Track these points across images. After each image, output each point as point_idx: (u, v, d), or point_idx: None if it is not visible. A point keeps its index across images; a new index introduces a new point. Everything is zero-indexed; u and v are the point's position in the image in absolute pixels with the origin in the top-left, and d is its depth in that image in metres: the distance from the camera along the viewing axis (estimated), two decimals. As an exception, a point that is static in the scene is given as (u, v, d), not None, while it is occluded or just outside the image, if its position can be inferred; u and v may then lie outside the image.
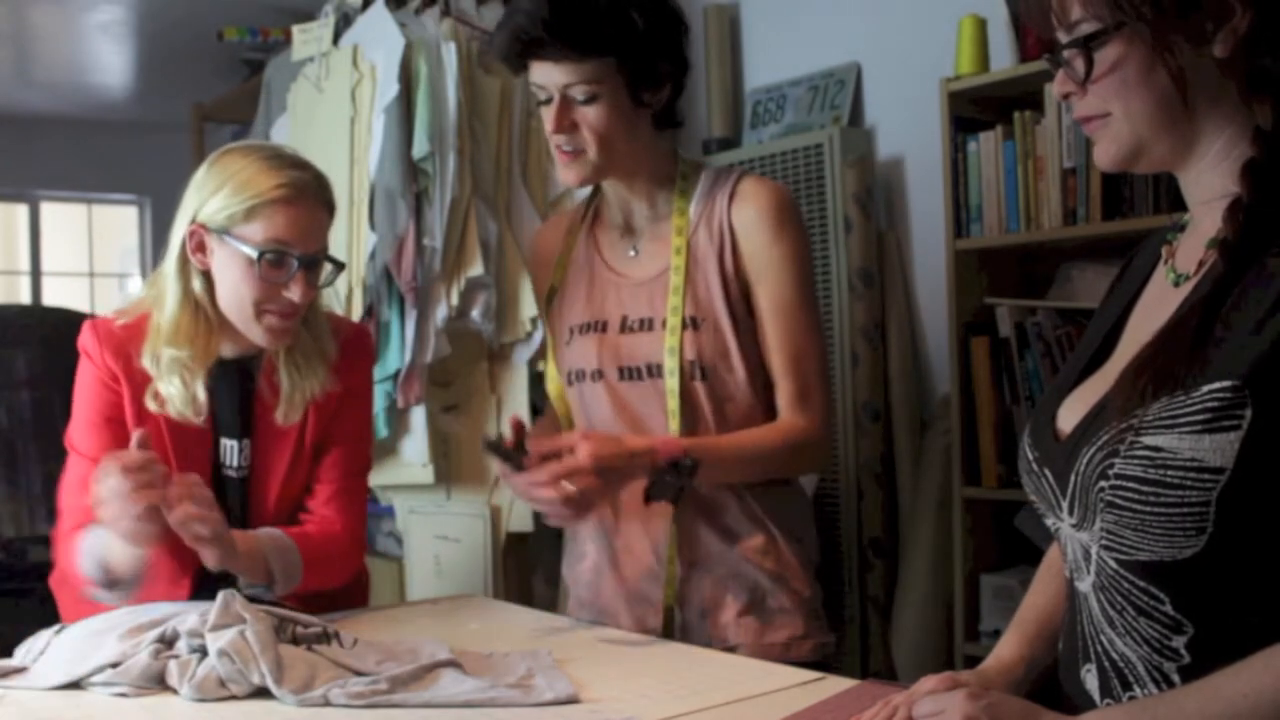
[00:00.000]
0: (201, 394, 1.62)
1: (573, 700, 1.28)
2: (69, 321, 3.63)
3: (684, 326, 1.68)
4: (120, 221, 6.79)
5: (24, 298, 6.35)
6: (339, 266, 1.69)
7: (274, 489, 1.73)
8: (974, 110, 2.63)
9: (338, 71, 3.01)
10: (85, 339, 1.67)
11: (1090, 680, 1.04)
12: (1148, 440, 0.92)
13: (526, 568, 3.08)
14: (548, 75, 1.62)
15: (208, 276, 1.64)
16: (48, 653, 1.43)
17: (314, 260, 1.63)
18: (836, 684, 1.32)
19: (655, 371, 1.69)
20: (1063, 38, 1.02)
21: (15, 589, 3.15)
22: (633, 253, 1.76)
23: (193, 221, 1.61)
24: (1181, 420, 0.91)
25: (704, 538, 1.70)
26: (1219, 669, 0.90)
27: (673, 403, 1.68)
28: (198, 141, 4.51)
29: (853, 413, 2.97)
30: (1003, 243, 2.57)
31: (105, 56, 4.92)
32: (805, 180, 3.05)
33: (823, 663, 1.65)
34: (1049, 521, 1.09)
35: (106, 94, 5.46)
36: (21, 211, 6.39)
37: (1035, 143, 2.51)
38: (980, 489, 2.58)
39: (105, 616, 1.48)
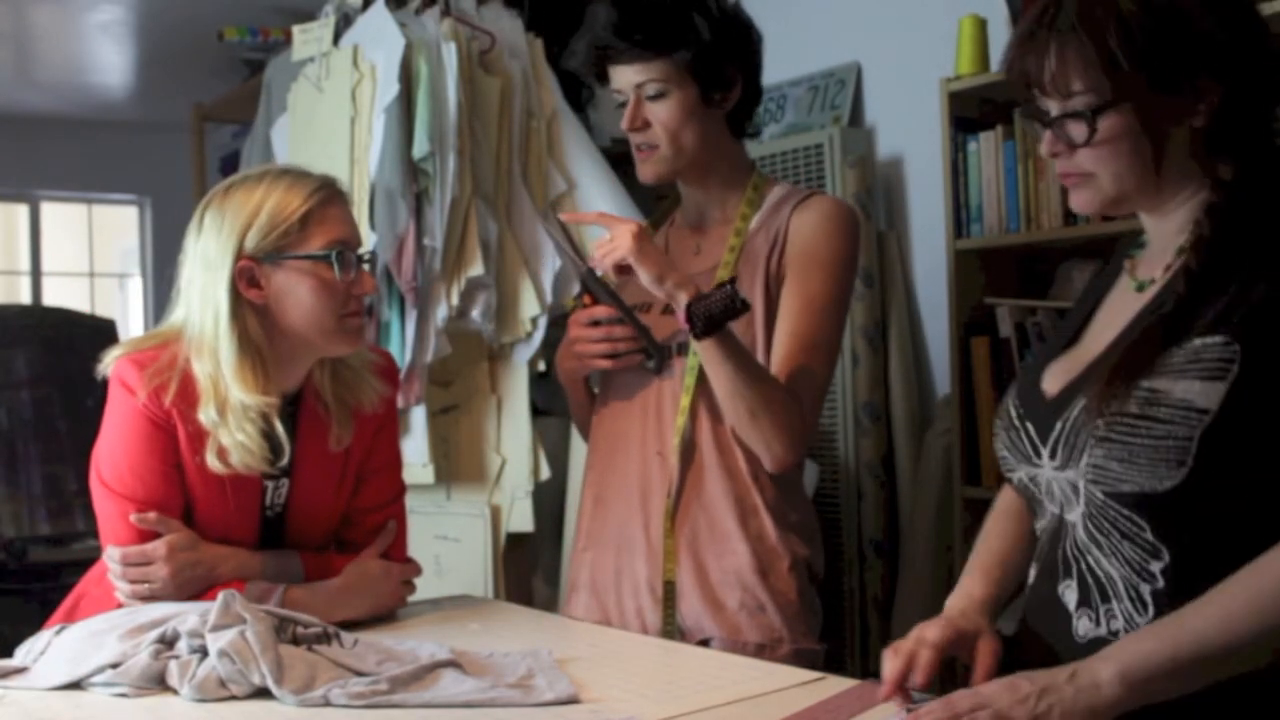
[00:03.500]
0: (283, 432, 1.59)
1: (573, 700, 1.28)
2: (69, 321, 3.64)
3: None
4: (120, 221, 6.79)
5: (24, 298, 6.35)
6: (374, 260, 1.70)
7: (317, 524, 1.72)
8: (974, 110, 2.64)
9: (338, 71, 3.01)
10: (131, 377, 1.58)
11: (1069, 595, 1.15)
12: (1144, 383, 1.06)
13: (526, 568, 3.08)
14: (622, 77, 1.75)
15: (262, 311, 1.60)
16: (48, 653, 1.43)
17: (361, 256, 1.64)
18: (837, 684, 1.33)
19: (681, 350, 1.75)
20: (1053, 104, 1.14)
21: (15, 589, 3.15)
22: (695, 251, 1.83)
23: (237, 258, 1.57)
24: (1175, 367, 1.05)
25: (696, 523, 1.71)
26: (1189, 592, 1.03)
27: (689, 379, 1.73)
28: (198, 141, 4.50)
29: (853, 413, 2.97)
30: (1003, 243, 2.57)
31: (105, 56, 4.92)
32: (805, 180, 3.05)
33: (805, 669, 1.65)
34: (1019, 472, 1.22)
35: (106, 94, 5.46)
36: (21, 211, 6.38)
37: (1035, 143, 2.50)
38: (980, 489, 2.58)
39: (106, 617, 1.48)
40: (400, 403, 2.86)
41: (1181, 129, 1.12)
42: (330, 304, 1.59)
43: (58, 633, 1.47)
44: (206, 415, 1.57)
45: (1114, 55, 1.08)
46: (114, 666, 1.35)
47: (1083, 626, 1.12)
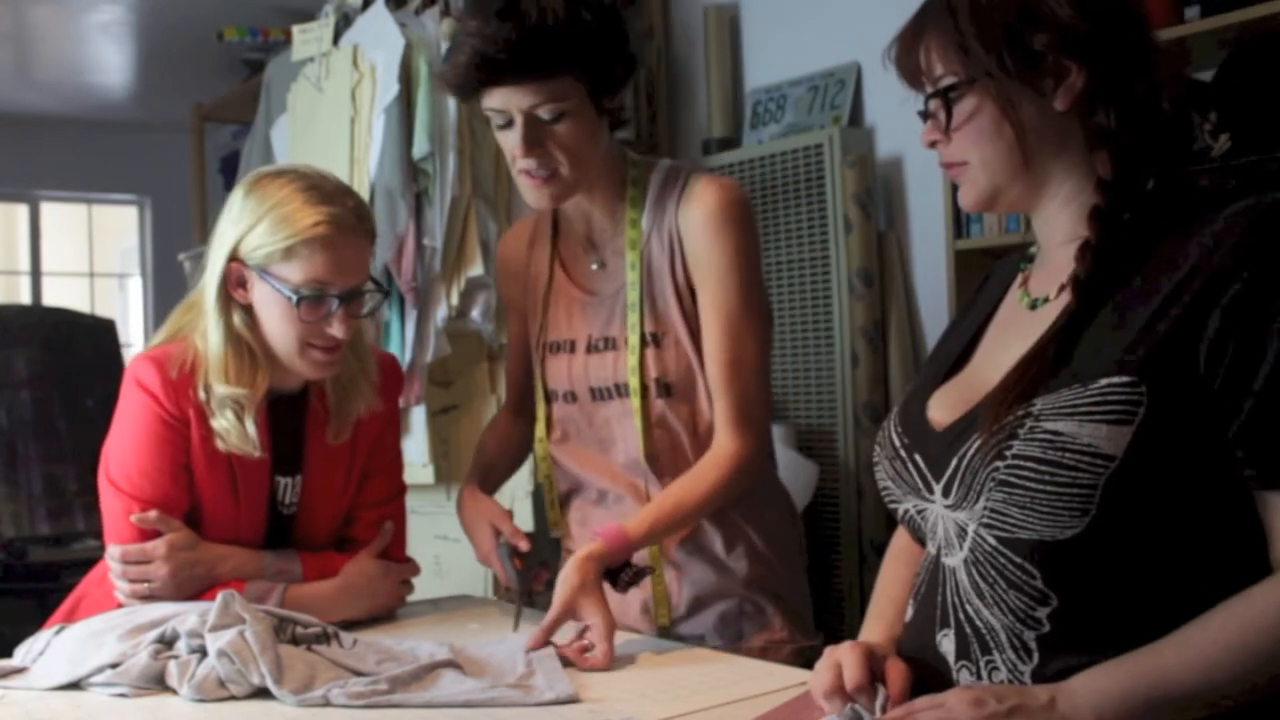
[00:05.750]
0: (252, 429, 1.59)
1: (573, 700, 1.28)
2: (69, 321, 3.63)
3: (644, 344, 1.64)
4: (120, 221, 6.80)
5: (24, 298, 6.36)
6: (383, 293, 1.63)
7: (324, 522, 1.73)
8: (974, 110, 2.63)
9: (338, 71, 3.01)
10: (147, 377, 1.58)
11: (946, 644, 1.11)
12: (1048, 425, 1.01)
13: (526, 568, 3.07)
14: (509, 99, 1.54)
15: (249, 310, 1.60)
16: (48, 653, 1.43)
17: (354, 293, 1.58)
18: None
19: (624, 391, 1.67)
20: (929, 92, 1.15)
21: (15, 589, 3.15)
22: (595, 266, 1.72)
23: (232, 256, 1.57)
24: (1082, 409, 1.00)
25: (683, 548, 1.68)
26: (1075, 636, 1.02)
27: (638, 422, 1.65)
28: (198, 141, 4.51)
29: (853, 413, 2.97)
30: (1003, 243, 2.57)
31: (105, 56, 4.93)
32: (805, 180, 3.05)
33: (806, 667, 1.63)
34: (905, 505, 1.17)
35: (106, 94, 5.46)
36: (21, 211, 6.39)
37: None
38: (980, 489, 2.57)
39: (105, 617, 1.48)
40: (400, 403, 2.86)
41: (1049, 118, 1.10)
42: (293, 334, 1.58)
43: (57, 633, 1.47)
44: (202, 392, 1.59)
45: (966, 36, 1.10)
46: (113, 666, 1.35)
47: (964, 679, 1.09)
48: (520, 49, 1.50)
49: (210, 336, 1.59)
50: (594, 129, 1.59)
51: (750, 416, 1.63)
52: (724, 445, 1.63)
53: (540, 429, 1.78)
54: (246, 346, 1.60)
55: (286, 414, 1.67)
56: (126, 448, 1.60)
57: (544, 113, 1.54)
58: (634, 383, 1.65)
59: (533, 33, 1.49)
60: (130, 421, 1.61)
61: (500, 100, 1.55)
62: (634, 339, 1.65)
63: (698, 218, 1.62)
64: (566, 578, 1.50)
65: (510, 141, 1.57)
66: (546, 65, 1.52)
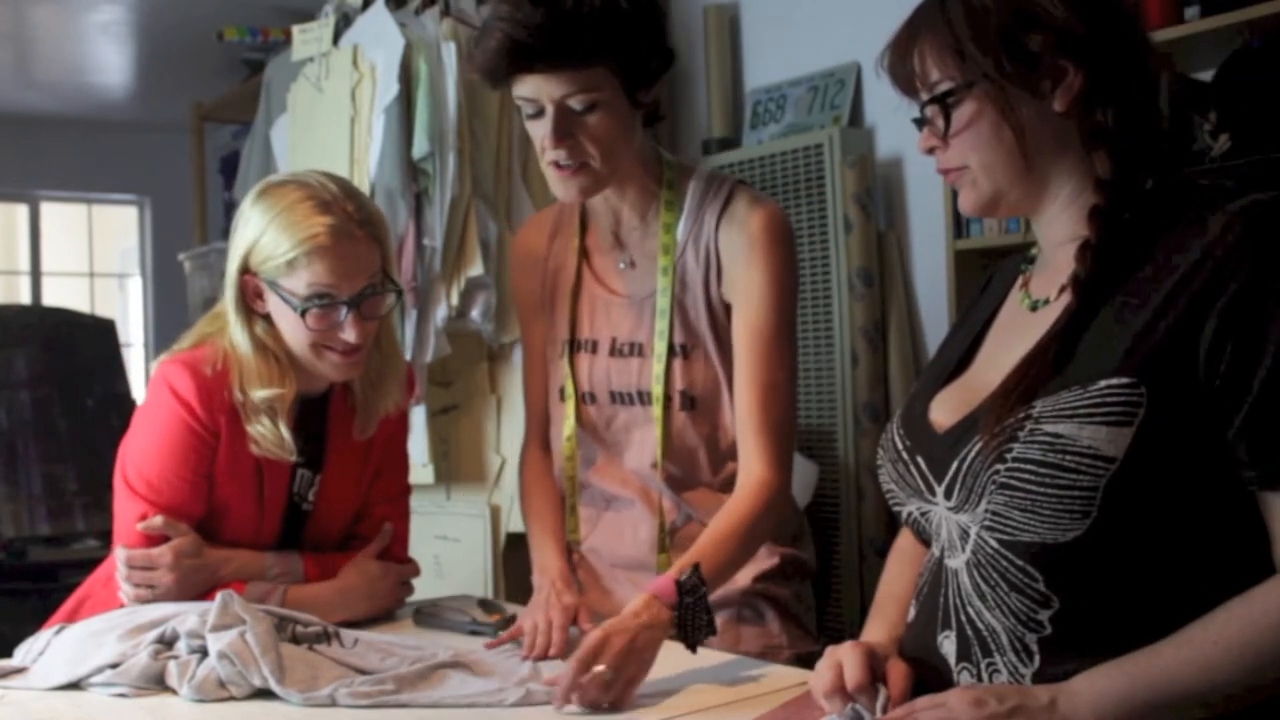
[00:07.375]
0: (287, 434, 1.60)
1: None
2: (69, 321, 3.64)
3: (672, 354, 1.63)
4: (120, 221, 6.80)
5: (24, 298, 6.36)
6: (398, 292, 1.63)
7: (338, 519, 1.74)
8: (974, 110, 2.63)
9: (338, 71, 3.01)
10: (180, 382, 1.59)
11: (947, 645, 1.12)
12: (1048, 428, 1.01)
13: (526, 568, 3.07)
14: (540, 88, 1.50)
15: (269, 319, 1.61)
16: (48, 653, 1.43)
17: (362, 297, 1.57)
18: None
19: (646, 399, 1.65)
20: (925, 98, 1.15)
21: (15, 589, 3.15)
22: (623, 265, 1.69)
23: (244, 269, 1.58)
24: (1082, 411, 1.00)
25: (690, 540, 1.67)
26: (1077, 638, 1.02)
27: (658, 432, 1.64)
28: (198, 141, 4.51)
29: (853, 413, 2.97)
30: (1003, 243, 2.57)
31: (105, 56, 4.93)
32: (805, 180, 3.05)
33: (806, 669, 1.62)
34: (909, 507, 1.17)
35: (106, 94, 5.46)
36: (21, 211, 6.39)
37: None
38: (980, 489, 2.57)
39: (105, 617, 1.48)
40: (402, 402, 2.86)
41: (1048, 120, 1.10)
42: (307, 340, 1.58)
43: (57, 632, 1.47)
44: (237, 395, 1.59)
45: (961, 39, 1.10)
46: (113, 666, 1.35)
47: (964, 681, 1.09)
48: (553, 36, 1.46)
49: (238, 345, 1.61)
50: (627, 122, 1.56)
51: (783, 447, 1.60)
52: (758, 476, 1.58)
53: (570, 426, 1.72)
54: (272, 353, 1.61)
55: (310, 414, 1.68)
56: (148, 452, 1.61)
57: (575, 103, 1.51)
58: (657, 391, 1.63)
59: (567, 20, 1.46)
60: (156, 426, 1.61)
61: (531, 89, 1.51)
62: (661, 347, 1.62)
63: (738, 238, 1.60)
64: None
65: (540, 131, 1.54)
66: (580, 54, 1.48)
